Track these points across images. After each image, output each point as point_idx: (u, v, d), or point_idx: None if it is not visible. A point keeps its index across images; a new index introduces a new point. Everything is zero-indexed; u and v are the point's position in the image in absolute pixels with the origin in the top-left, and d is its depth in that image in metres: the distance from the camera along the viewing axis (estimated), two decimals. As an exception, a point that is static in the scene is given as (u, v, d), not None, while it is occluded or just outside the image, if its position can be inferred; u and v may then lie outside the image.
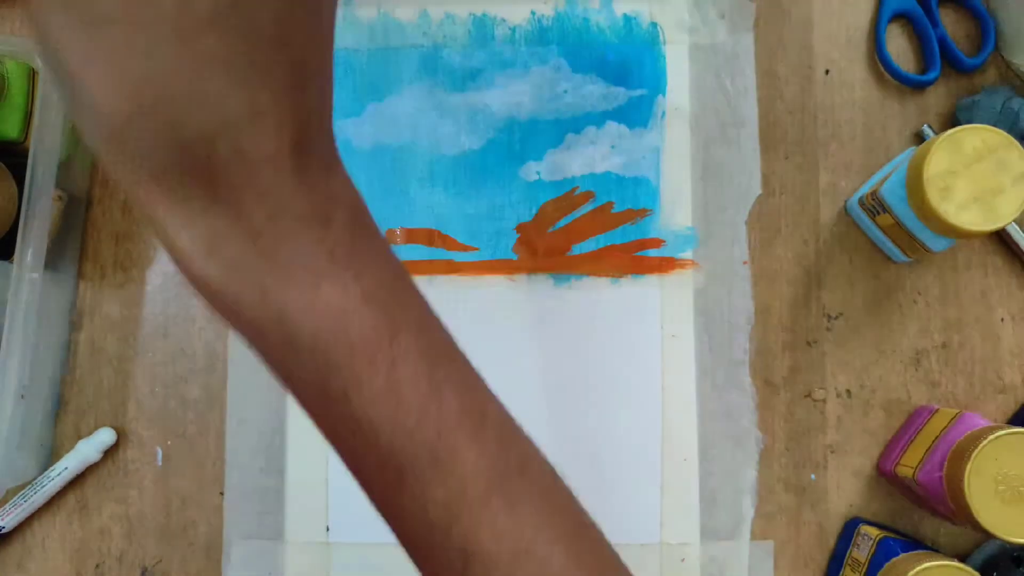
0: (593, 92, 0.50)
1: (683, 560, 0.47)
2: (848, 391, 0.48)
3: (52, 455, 0.49)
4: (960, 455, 0.40)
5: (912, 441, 0.46)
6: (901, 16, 0.50)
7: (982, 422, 0.43)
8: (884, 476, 0.48)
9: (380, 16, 0.50)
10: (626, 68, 0.50)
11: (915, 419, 0.47)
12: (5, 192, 0.44)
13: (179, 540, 0.49)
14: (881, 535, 0.44)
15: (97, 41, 0.19)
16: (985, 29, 0.50)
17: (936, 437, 0.43)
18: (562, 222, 0.49)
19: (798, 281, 0.49)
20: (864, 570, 0.44)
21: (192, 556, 0.49)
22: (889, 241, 0.48)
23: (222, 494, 0.49)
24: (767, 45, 0.50)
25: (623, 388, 0.48)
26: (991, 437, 0.40)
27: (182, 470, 0.49)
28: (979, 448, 0.39)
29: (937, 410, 0.46)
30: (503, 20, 0.50)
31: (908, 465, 0.44)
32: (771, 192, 0.50)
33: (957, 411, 0.44)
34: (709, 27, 0.50)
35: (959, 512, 0.40)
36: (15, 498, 0.48)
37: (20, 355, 0.43)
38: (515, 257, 0.49)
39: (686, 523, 0.47)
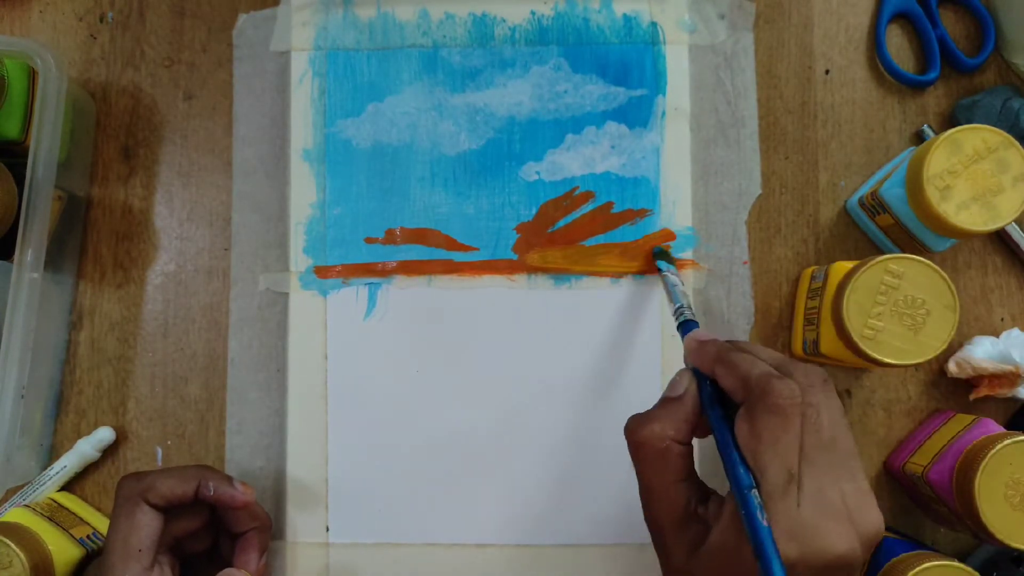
0: (593, 92, 0.50)
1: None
2: (848, 391, 0.48)
3: (52, 454, 0.49)
4: (973, 457, 0.40)
5: (927, 440, 0.46)
6: (901, 16, 0.50)
7: (999, 428, 0.43)
8: (891, 473, 0.48)
9: (380, 16, 0.50)
10: (626, 68, 0.50)
11: (932, 421, 0.47)
12: (5, 192, 0.44)
13: (179, 540, 0.49)
14: (881, 535, 0.44)
15: None
16: (985, 29, 0.50)
17: (952, 438, 0.43)
18: (562, 222, 0.49)
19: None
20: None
21: (192, 556, 0.49)
22: (889, 241, 0.48)
23: (222, 494, 0.49)
24: (767, 45, 0.50)
25: (623, 388, 0.48)
26: (1006, 442, 0.40)
27: (182, 470, 0.49)
28: (993, 451, 0.40)
29: (955, 415, 0.46)
30: (503, 20, 0.50)
31: (919, 463, 0.44)
32: (771, 192, 0.50)
33: (974, 416, 0.44)
34: (709, 27, 0.50)
35: (966, 514, 0.40)
36: (14, 497, 0.48)
37: (20, 355, 0.43)
38: (515, 257, 0.49)
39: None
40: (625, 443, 0.35)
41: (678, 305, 0.42)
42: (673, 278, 0.45)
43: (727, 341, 0.37)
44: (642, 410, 0.36)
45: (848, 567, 0.30)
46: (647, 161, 0.49)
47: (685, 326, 0.40)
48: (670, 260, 0.48)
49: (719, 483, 0.34)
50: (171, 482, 0.41)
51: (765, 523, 0.29)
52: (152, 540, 0.40)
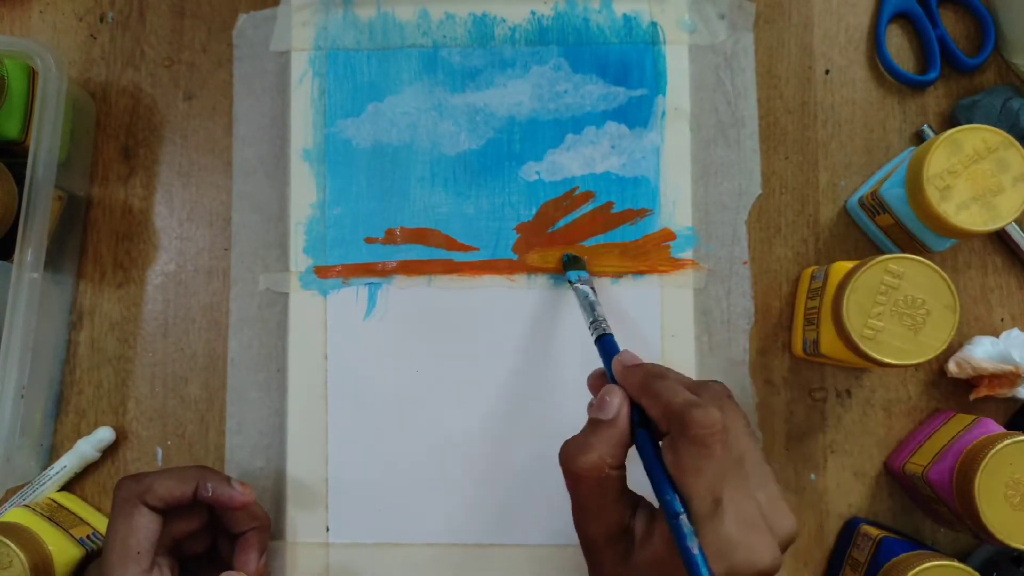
0: (593, 92, 0.50)
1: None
2: (848, 391, 0.48)
3: (52, 454, 0.49)
4: (973, 457, 0.40)
5: (927, 440, 0.46)
6: (901, 16, 0.50)
7: (999, 428, 0.43)
8: (891, 473, 0.48)
9: (380, 16, 0.50)
10: (626, 68, 0.50)
11: (932, 421, 0.47)
12: (5, 192, 0.44)
13: (179, 540, 0.49)
14: (881, 535, 0.44)
15: None
16: (985, 29, 0.50)
17: (952, 438, 0.43)
18: (562, 222, 0.49)
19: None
20: (864, 570, 0.44)
21: (192, 556, 0.49)
22: (889, 241, 0.48)
23: (222, 494, 0.49)
24: (767, 45, 0.51)
25: (623, 388, 0.48)
26: (1006, 442, 0.40)
27: (182, 470, 0.49)
28: (993, 451, 0.40)
29: (955, 415, 0.46)
30: (503, 20, 0.50)
31: (919, 463, 0.44)
32: (771, 192, 0.50)
33: (974, 416, 0.44)
34: (709, 27, 0.50)
35: (966, 514, 0.40)
36: (14, 497, 0.48)
37: (20, 355, 0.43)
38: (515, 257, 0.49)
39: (686, 523, 0.47)
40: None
41: (591, 320, 0.42)
42: (584, 288, 0.45)
43: (649, 365, 0.37)
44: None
45: (773, 571, 0.31)
46: (647, 161, 0.49)
47: (602, 341, 0.40)
48: (581, 267, 0.47)
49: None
50: (170, 483, 0.41)
51: (695, 550, 0.30)
52: (151, 542, 0.40)
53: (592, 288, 0.45)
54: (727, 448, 0.32)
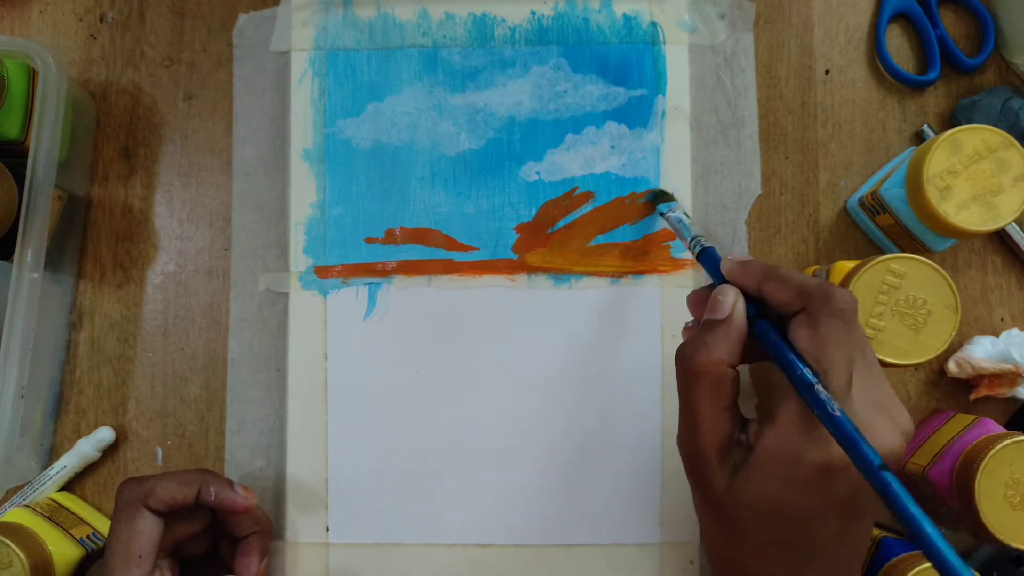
0: (593, 92, 0.50)
1: (692, 562, 0.47)
2: (848, 391, 0.48)
3: (52, 454, 0.49)
4: (974, 457, 0.40)
5: (927, 440, 0.46)
6: (901, 16, 0.50)
7: (999, 428, 0.43)
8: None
9: (380, 16, 0.50)
10: (626, 68, 0.50)
11: (932, 421, 0.47)
12: (5, 192, 0.44)
13: (179, 540, 0.49)
14: (881, 535, 0.44)
15: None
16: (985, 29, 0.50)
17: (952, 438, 0.44)
18: (562, 222, 0.49)
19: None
20: (864, 570, 0.44)
21: (192, 556, 0.49)
22: (889, 241, 0.48)
23: (222, 494, 0.49)
24: (767, 45, 0.51)
25: (623, 388, 0.48)
26: (1007, 442, 0.40)
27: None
28: (993, 451, 0.40)
29: (955, 415, 0.46)
30: (503, 20, 0.50)
31: (919, 463, 0.44)
32: (771, 192, 0.50)
33: (975, 416, 0.44)
34: (709, 27, 0.50)
35: (966, 513, 0.40)
36: (14, 497, 0.48)
37: (20, 355, 0.43)
38: (515, 257, 0.49)
39: (686, 523, 0.47)
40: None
41: (693, 236, 0.42)
42: (675, 216, 0.45)
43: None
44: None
45: (898, 459, 0.32)
46: (647, 161, 0.49)
47: (704, 254, 0.40)
48: (669, 198, 0.47)
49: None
50: (172, 487, 0.41)
51: (838, 412, 0.30)
52: (153, 546, 0.40)
53: (685, 213, 0.45)
54: (860, 329, 0.33)
